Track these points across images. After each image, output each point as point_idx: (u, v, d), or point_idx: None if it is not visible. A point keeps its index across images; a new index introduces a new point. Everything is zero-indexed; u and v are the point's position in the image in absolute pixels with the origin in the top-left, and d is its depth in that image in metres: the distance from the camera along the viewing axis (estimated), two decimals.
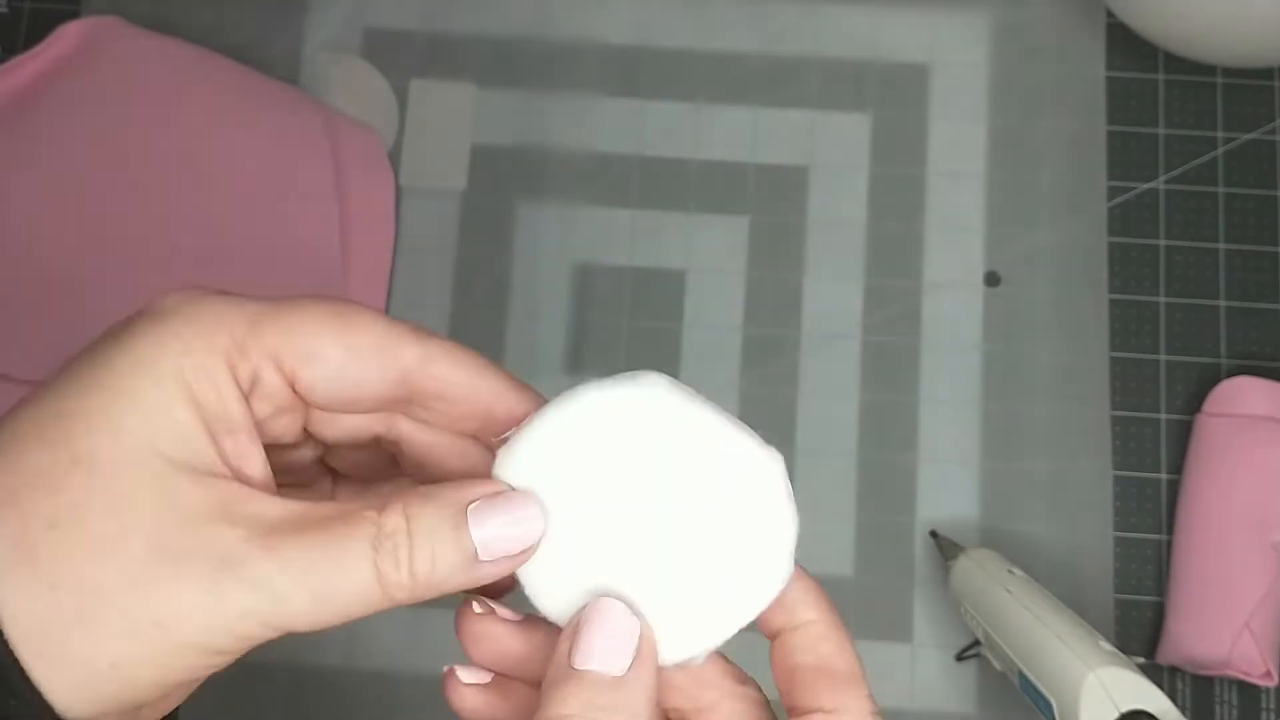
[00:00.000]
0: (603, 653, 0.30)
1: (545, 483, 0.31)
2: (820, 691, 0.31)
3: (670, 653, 0.31)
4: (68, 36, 0.61)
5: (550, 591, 0.31)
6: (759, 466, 0.32)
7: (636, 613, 0.30)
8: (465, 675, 0.32)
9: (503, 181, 0.65)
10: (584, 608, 0.30)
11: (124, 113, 0.59)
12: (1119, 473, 0.61)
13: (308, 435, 0.33)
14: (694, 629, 0.31)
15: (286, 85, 0.64)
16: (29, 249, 0.57)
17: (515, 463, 0.31)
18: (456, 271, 0.63)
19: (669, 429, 0.30)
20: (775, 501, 0.33)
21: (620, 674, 0.29)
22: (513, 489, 0.30)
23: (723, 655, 0.33)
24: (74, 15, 0.66)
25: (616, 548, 0.30)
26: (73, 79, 0.60)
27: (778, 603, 0.31)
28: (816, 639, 0.32)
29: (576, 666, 0.29)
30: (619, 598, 0.30)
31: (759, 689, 0.33)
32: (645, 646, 0.30)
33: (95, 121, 0.59)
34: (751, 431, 0.31)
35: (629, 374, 0.31)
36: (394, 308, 0.63)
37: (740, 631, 0.32)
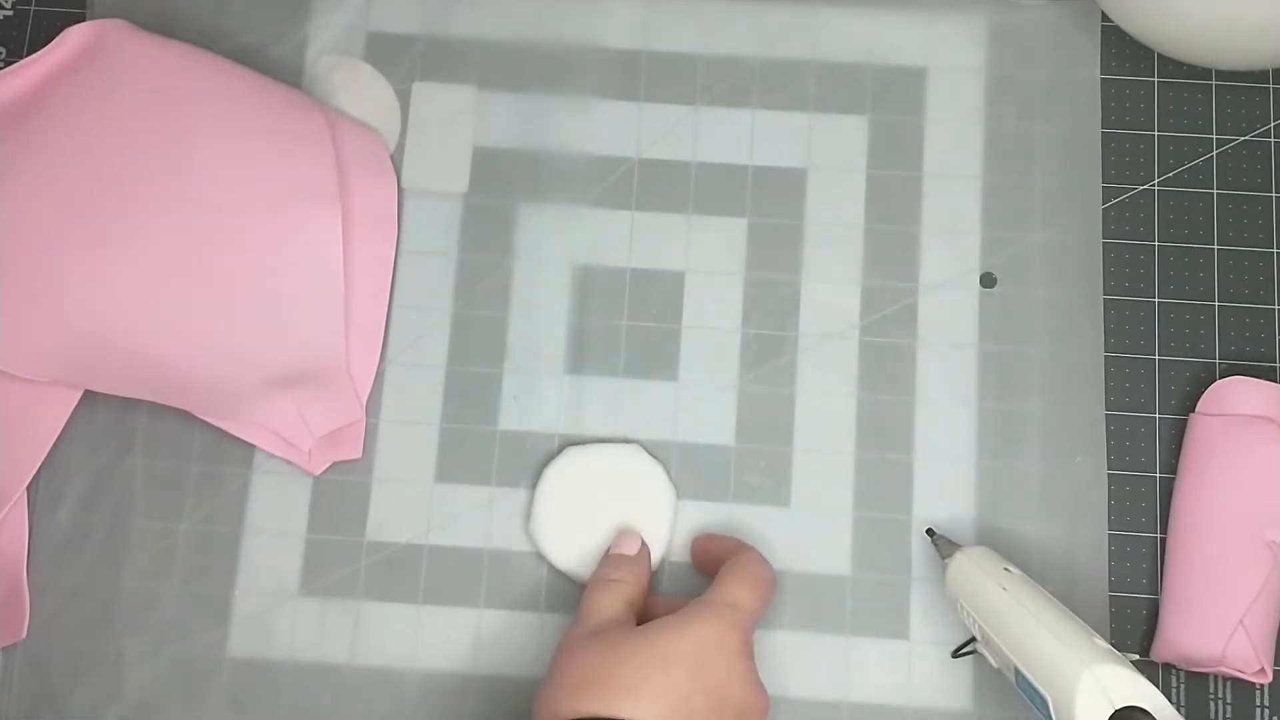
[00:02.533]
0: (622, 545, 0.59)
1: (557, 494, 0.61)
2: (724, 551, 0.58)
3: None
4: (72, 39, 0.61)
5: (556, 548, 0.61)
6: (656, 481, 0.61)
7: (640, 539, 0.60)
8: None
9: (504, 183, 0.65)
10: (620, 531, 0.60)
11: (128, 116, 0.59)
12: (1114, 471, 0.61)
13: None
14: None
15: (289, 88, 0.64)
16: (32, 251, 0.58)
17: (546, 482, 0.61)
18: (458, 272, 0.64)
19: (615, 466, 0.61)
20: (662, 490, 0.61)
21: (632, 554, 0.58)
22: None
23: None
24: (79, 18, 0.66)
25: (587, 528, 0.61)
26: (77, 82, 0.60)
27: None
28: (710, 539, 0.60)
29: (610, 552, 0.59)
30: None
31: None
32: (643, 549, 0.59)
33: (99, 125, 0.59)
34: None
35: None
36: (396, 309, 0.63)
37: None
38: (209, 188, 0.58)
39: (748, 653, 0.54)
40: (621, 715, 0.49)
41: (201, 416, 0.61)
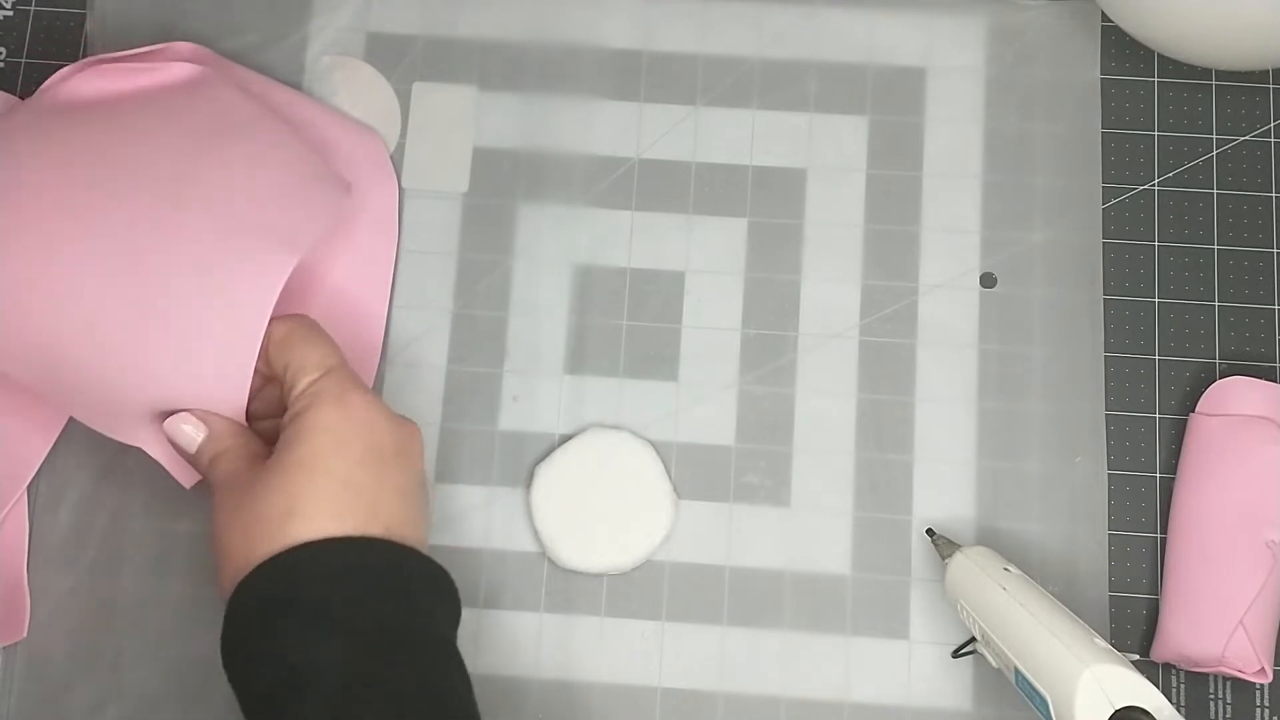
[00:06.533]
0: (181, 437, 0.55)
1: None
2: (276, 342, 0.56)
3: (608, 559, 0.61)
4: (175, 73, 0.61)
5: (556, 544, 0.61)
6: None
7: None
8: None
9: (504, 183, 0.65)
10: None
11: (156, 138, 0.58)
12: (1114, 472, 0.61)
13: None
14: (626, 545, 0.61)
15: (290, 88, 0.65)
16: (43, 247, 0.56)
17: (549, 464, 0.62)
18: (458, 272, 0.64)
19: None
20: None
21: (200, 436, 0.55)
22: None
23: None
24: (79, 18, 0.66)
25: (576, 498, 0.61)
26: (143, 94, 0.60)
27: None
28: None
29: (183, 447, 0.55)
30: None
31: None
32: (206, 417, 0.55)
33: (123, 130, 0.58)
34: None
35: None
36: (396, 309, 0.63)
37: None
38: (206, 187, 0.56)
39: (364, 397, 0.53)
40: (298, 539, 0.49)
41: (84, 422, 0.58)
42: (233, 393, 0.55)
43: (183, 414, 0.55)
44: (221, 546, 0.51)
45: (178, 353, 0.54)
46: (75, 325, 0.54)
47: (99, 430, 0.57)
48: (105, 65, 0.60)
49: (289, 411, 0.53)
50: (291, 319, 0.55)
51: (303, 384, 0.53)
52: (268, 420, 0.56)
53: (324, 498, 0.50)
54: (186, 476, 0.57)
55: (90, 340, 0.54)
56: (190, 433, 0.54)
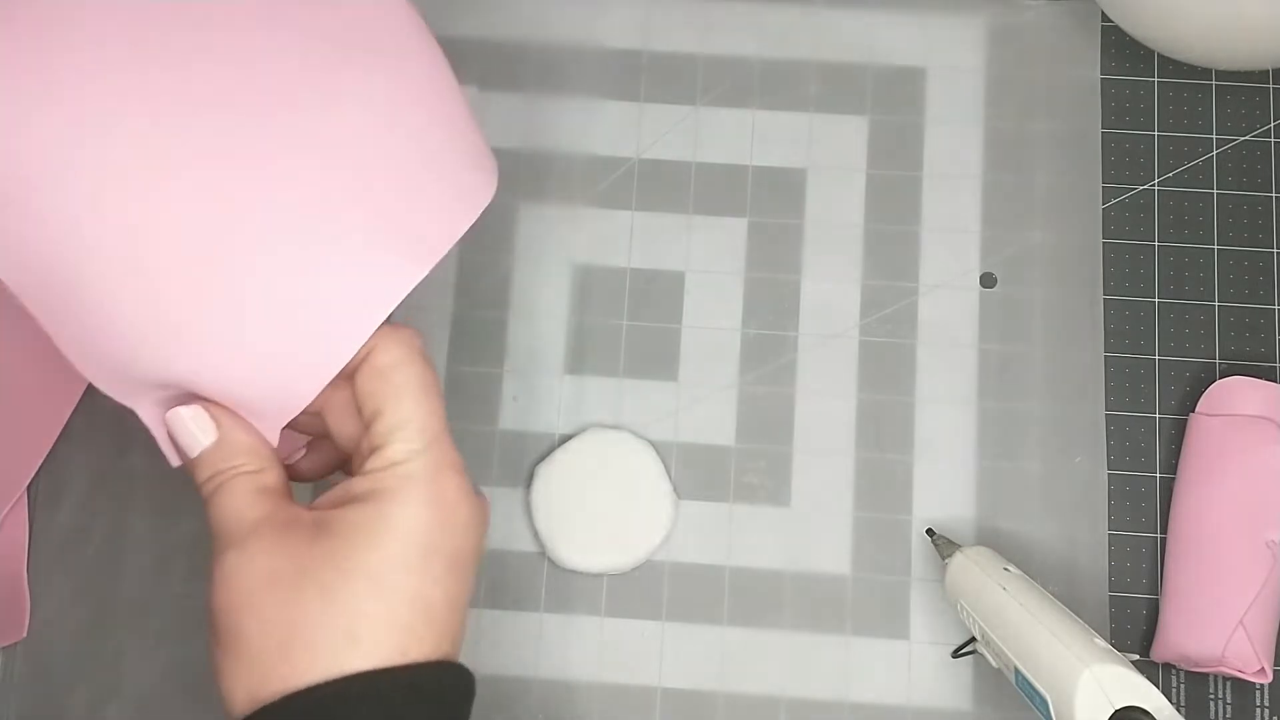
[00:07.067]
0: (184, 437, 0.43)
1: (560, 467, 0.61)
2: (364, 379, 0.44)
3: (608, 559, 0.61)
4: None
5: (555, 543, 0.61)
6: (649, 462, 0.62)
7: None
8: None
9: (504, 183, 0.64)
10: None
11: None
12: (1113, 472, 0.61)
13: None
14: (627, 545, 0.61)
15: None
16: (100, 114, 0.41)
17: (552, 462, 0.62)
18: (458, 272, 0.64)
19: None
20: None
21: (214, 438, 0.43)
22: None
23: None
24: None
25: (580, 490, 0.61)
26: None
27: None
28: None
29: (185, 451, 0.44)
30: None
31: None
32: (220, 412, 0.43)
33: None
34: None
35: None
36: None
37: None
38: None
39: (458, 483, 0.42)
40: (352, 669, 0.39)
41: (71, 359, 0.44)
42: (280, 406, 0.42)
43: (195, 405, 0.42)
44: (237, 645, 0.39)
45: (234, 330, 0.41)
46: (118, 238, 0.40)
47: (87, 375, 0.44)
48: None
49: (366, 476, 0.41)
50: (404, 345, 0.43)
51: (395, 452, 0.41)
52: (305, 429, 0.46)
53: (394, 623, 0.40)
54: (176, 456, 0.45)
55: (131, 267, 0.40)
56: (195, 431, 0.42)
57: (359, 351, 0.41)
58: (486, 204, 0.46)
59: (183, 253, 0.40)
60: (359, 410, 0.42)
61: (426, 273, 0.42)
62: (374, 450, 0.41)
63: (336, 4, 0.43)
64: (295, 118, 0.41)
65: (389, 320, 0.42)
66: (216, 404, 0.42)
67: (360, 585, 0.39)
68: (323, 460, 0.46)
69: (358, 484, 0.41)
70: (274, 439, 0.43)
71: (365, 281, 0.41)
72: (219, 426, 0.42)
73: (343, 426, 0.44)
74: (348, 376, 0.42)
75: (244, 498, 0.41)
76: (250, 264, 0.40)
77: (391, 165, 0.42)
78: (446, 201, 0.43)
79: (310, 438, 0.46)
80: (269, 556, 0.40)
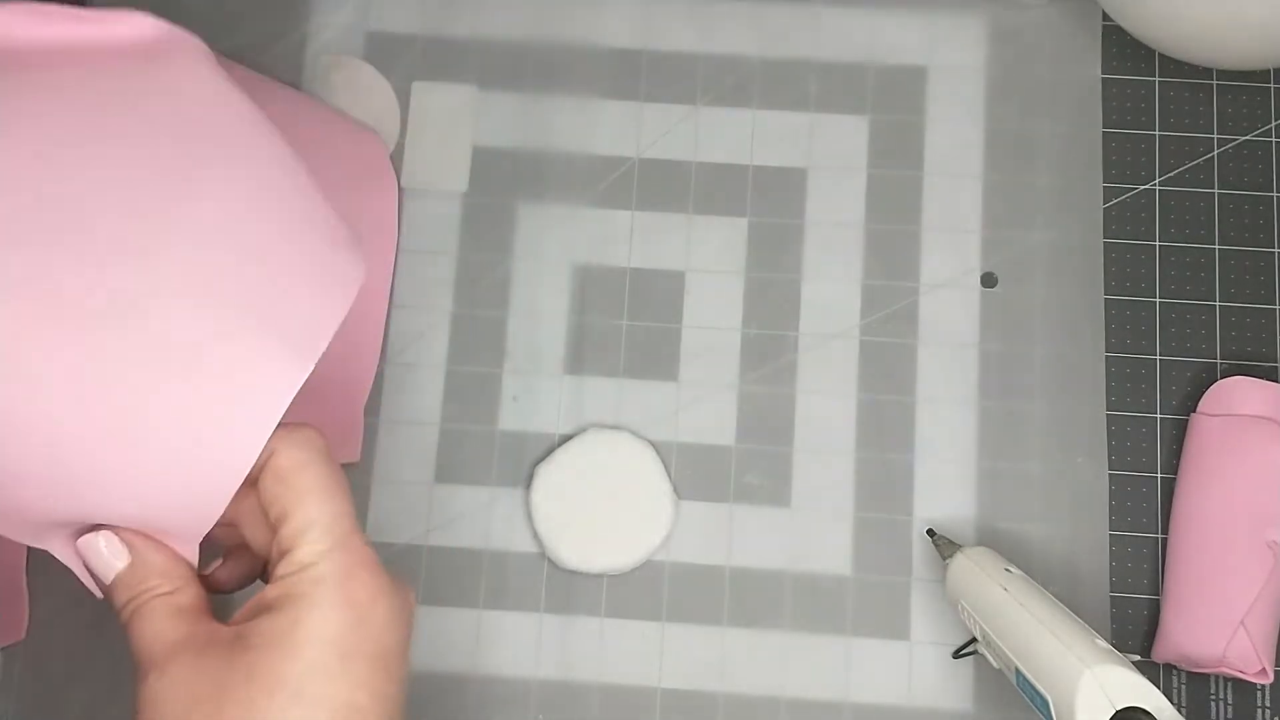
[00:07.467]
0: (97, 562, 0.42)
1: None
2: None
3: (608, 559, 0.61)
4: (137, 26, 0.44)
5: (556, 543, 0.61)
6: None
7: None
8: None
9: (504, 183, 0.65)
10: None
11: (144, 147, 0.42)
12: (1114, 472, 0.61)
13: None
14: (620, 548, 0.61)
15: (289, 87, 0.65)
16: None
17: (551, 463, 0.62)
18: (458, 272, 0.64)
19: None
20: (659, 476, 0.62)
21: (126, 562, 0.41)
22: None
23: None
24: None
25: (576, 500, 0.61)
26: (109, 75, 0.43)
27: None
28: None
29: (97, 574, 0.42)
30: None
31: None
32: (134, 539, 0.41)
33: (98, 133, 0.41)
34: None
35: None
36: (395, 309, 0.63)
37: None
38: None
39: (372, 579, 0.41)
40: None
41: None
42: (191, 524, 0.41)
43: (104, 531, 0.41)
44: None
45: (131, 464, 0.39)
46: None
47: None
48: (44, 4, 0.43)
49: (278, 582, 0.40)
50: (304, 446, 0.41)
51: (303, 555, 0.40)
52: (224, 540, 0.45)
53: None
54: (95, 586, 0.43)
55: (20, 424, 0.38)
56: (107, 557, 0.41)
57: (259, 457, 0.40)
58: (359, 285, 0.43)
59: (66, 402, 0.38)
60: (265, 515, 0.42)
61: (311, 369, 0.40)
62: (283, 555, 0.41)
63: (175, 97, 0.42)
64: (154, 219, 0.40)
65: (300, 420, 0.42)
66: (128, 529, 0.41)
67: (281, 699, 0.38)
68: (241, 569, 0.45)
69: (271, 591, 0.40)
70: (193, 556, 0.42)
71: (252, 392, 0.39)
72: (131, 549, 0.41)
73: (256, 534, 0.43)
74: (253, 483, 0.41)
75: (161, 620, 0.40)
76: (133, 400, 0.39)
77: (258, 267, 0.41)
78: (319, 292, 0.42)
79: (229, 546, 0.45)
80: (189, 678, 0.39)
